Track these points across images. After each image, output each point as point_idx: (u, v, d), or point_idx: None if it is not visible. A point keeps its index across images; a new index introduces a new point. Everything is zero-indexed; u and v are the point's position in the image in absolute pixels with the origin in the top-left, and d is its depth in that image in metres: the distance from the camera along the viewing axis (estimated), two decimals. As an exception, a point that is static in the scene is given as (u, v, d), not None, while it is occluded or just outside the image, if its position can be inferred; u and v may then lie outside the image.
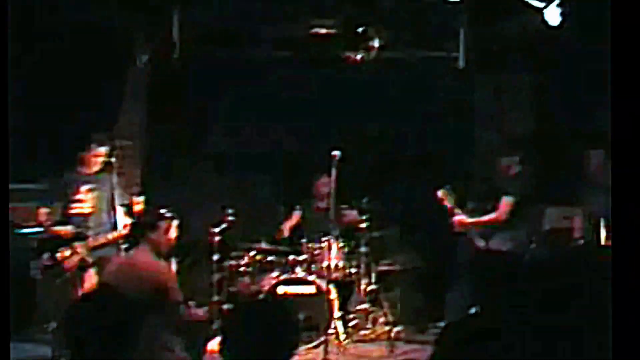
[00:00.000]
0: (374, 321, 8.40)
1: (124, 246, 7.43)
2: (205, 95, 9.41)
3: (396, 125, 9.80)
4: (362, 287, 8.51)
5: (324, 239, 8.34)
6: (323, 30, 8.83)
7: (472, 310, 3.91)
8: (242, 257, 8.41)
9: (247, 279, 8.42)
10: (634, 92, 3.55)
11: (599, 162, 7.68)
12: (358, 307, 8.45)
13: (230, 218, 8.08)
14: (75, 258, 7.37)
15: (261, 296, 7.82)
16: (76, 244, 7.38)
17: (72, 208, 7.53)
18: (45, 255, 7.36)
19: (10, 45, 4.99)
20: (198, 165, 9.57)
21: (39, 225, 7.58)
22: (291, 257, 8.42)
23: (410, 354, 7.91)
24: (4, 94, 4.76)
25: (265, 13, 8.58)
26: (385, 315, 8.41)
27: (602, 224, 7.33)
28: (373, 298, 8.55)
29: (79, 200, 7.53)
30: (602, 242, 7.28)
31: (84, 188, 7.55)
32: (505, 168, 8.17)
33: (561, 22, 7.80)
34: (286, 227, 9.03)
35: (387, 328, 8.22)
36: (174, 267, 7.17)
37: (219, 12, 8.55)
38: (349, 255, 8.47)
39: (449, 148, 9.69)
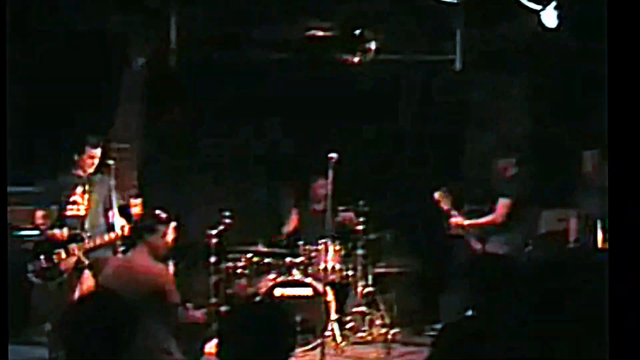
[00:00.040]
0: (371, 323, 8.39)
1: (120, 248, 7.43)
2: (202, 97, 9.40)
3: (393, 127, 9.81)
4: (359, 289, 8.52)
5: (320, 241, 8.33)
6: (320, 33, 8.84)
7: (469, 313, 3.91)
8: (239, 259, 8.40)
9: (244, 281, 8.42)
10: (631, 94, 3.56)
11: (594, 163, 7.69)
12: (355, 309, 8.45)
13: (227, 220, 8.06)
14: (72, 260, 7.36)
15: (258, 298, 7.81)
16: (72, 245, 7.38)
17: (68, 210, 7.52)
18: (42, 258, 7.35)
19: (8, 48, 4.99)
20: (195, 168, 9.56)
21: (36, 227, 7.58)
22: (288, 259, 8.40)
23: (407, 356, 7.92)
24: (2, 98, 4.75)
25: (262, 15, 8.57)
26: (381, 317, 8.40)
27: (598, 225, 7.34)
28: (370, 300, 8.55)
29: (75, 202, 7.52)
30: (599, 244, 7.28)
31: (79, 190, 7.54)
32: (502, 170, 8.16)
33: (558, 25, 7.80)
34: (286, 232, 9.03)
35: (383, 330, 8.20)
36: (171, 269, 7.16)
37: (215, 14, 8.55)
38: (346, 258, 8.47)
39: (446, 150, 9.70)
